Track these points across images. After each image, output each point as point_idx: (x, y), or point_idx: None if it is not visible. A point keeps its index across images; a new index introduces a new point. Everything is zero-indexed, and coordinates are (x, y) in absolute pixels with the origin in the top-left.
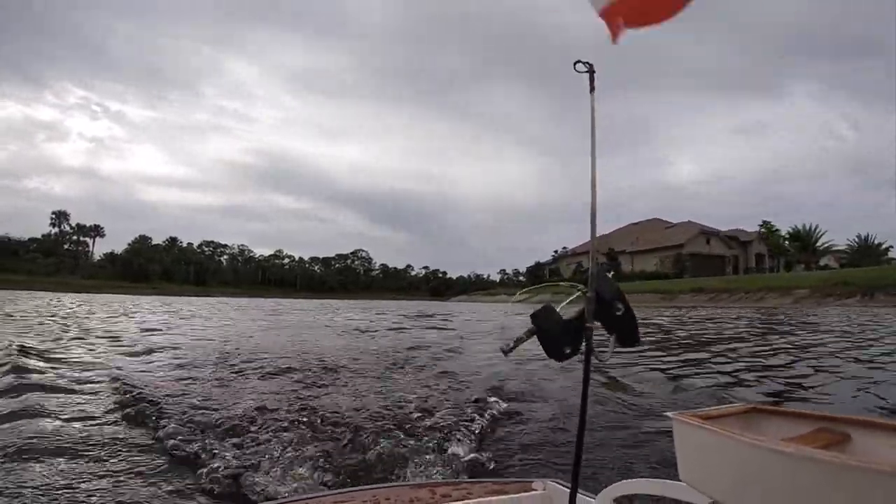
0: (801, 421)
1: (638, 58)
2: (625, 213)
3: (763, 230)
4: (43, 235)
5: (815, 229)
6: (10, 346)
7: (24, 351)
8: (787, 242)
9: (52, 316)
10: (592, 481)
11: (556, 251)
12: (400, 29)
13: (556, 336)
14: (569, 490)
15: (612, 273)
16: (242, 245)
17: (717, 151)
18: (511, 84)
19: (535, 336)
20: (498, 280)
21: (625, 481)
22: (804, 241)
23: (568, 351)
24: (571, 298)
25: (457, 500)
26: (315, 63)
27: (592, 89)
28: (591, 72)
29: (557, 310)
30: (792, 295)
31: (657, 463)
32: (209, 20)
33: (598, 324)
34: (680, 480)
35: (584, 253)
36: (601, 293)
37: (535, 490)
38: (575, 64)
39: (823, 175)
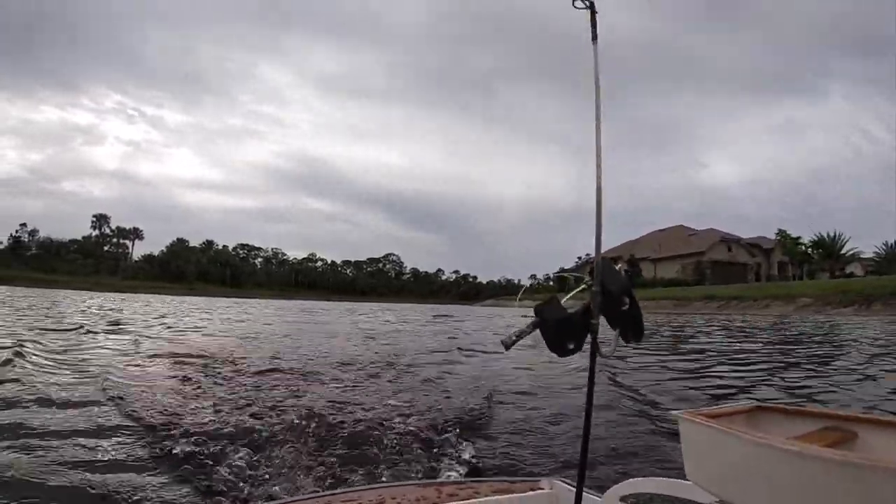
0: (808, 419)
1: (672, 59)
2: (659, 216)
3: (780, 238)
4: (83, 237)
5: (840, 237)
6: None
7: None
8: (809, 250)
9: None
10: (598, 480)
11: (579, 257)
12: (433, 31)
13: (560, 330)
14: (575, 489)
15: (626, 270)
16: (276, 248)
17: (753, 154)
18: (544, 84)
19: (537, 329)
20: (529, 285)
21: (631, 480)
22: (827, 248)
23: (571, 346)
24: (576, 291)
25: (463, 499)
26: (348, 66)
27: (595, 37)
28: (591, 10)
29: (563, 302)
30: (795, 303)
31: (663, 461)
32: (243, 25)
33: (602, 319)
34: (686, 479)
35: (611, 259)
36: (608, 287)
37: (542, 489)
38: (573, 1)
39: (860, 178)
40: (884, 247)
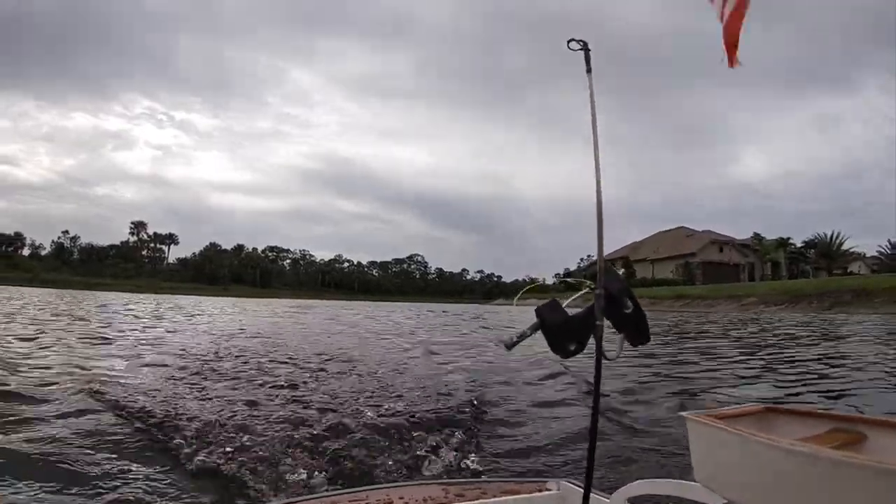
0: (816, 421)
1: (702, 52)
2: (689, 212)
3: (755, 241)
4: (122, 242)
5: (837, 237)
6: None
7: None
8: (803, 250)
9: None
10: (606, 481)
11: (581, 258)
12: (462, 30)
13: (561, 332)
14: (582, 490)
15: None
16: (304, 250)
17: (786, 149)
18: (574, 82)
19: (539, 331)
20: (552, 283)
21: (639, 481)
22: (824, 248)
23: (573, 348)
24: (579, 294)
25: (470, 500)
26: (376, 67)
27: (589, 70)
28: (585, 49)
29: (563, 305)
30: (740, 302)
31: (671, 463)
32: (270, 29)
33: (606, 322)
34: (694, 480)
35: (612, 260)
36: (609, 290)
37: (549, 490)
38: (568, 42)
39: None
40: (888, 245)
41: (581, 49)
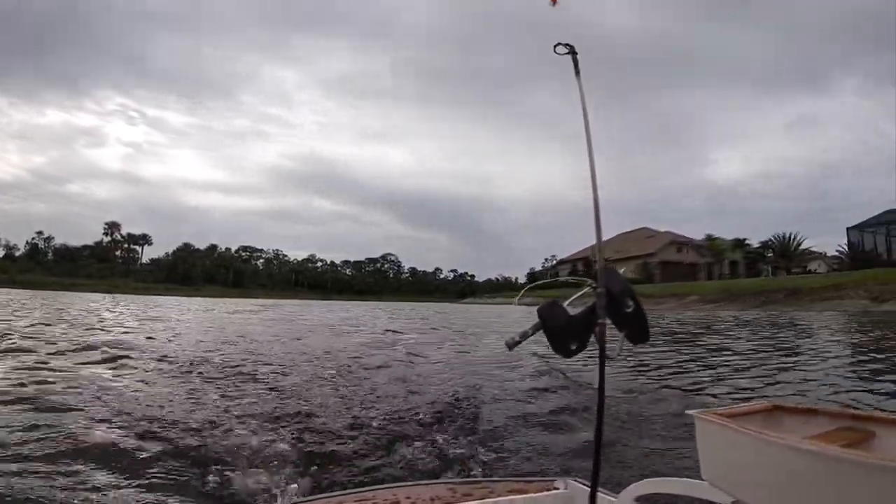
0: (824, 419)
1: (680, 53)
2: (668, 213)
3: (708, 242)
4: (95, 243)
5: (794, 237)
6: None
7: None
8: (762, 251)
9: None
10: (613, 480)
11: (546, 258)
12: (442, 31)
13: (563, 331)
14: (590, 489)
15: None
16: (277, 250)
17: (764, 149)
18: (555, 83)
19: (540, 331)
20: (524, 283)
21: (646, 480)
22: (782, 248)
23: (574, 347)
24: (579, 294)
25: (478, 499)
26: (355, 66)
27: (578, 72)
28: (572, 53)
29: (564, 305)
30: (682, 300)
31: (678, 461)
32: (248, 27)
33: (607, 321)
34: (702, 479)
35: (574, 260)
36: (611, 289)
37: (557, 489)
38: (555, 46)
39: (873, 174)
40: (845, 245)
41: (568, 53)
